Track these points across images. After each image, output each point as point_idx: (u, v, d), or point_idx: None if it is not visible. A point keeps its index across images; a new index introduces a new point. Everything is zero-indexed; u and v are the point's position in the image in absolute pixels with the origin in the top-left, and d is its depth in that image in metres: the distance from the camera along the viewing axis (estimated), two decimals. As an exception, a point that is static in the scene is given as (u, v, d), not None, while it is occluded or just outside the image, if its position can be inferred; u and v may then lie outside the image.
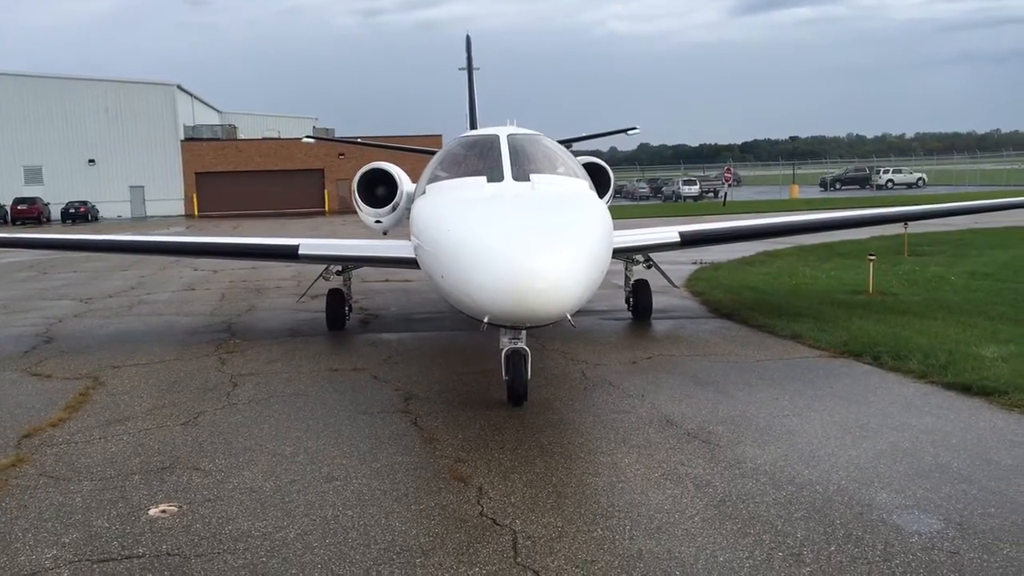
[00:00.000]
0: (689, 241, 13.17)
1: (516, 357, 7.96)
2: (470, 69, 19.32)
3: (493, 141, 9.53)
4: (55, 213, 62.09)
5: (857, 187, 75.89)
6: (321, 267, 13.78)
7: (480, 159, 9.51)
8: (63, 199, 63.42)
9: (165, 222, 57.99)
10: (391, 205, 13.50)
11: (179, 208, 69.59)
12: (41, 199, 62.83)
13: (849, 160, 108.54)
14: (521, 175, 8.89)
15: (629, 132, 19.51)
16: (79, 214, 61.29)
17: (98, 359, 11.38)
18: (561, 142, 15.85)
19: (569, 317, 7.24)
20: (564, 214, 8.18)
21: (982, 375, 8.84)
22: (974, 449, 6.86)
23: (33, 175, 68.51)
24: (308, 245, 12.86)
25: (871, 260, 15.58)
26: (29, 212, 60.03)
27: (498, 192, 8.61)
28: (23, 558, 5.30)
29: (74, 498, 6.28)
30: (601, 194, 12.93)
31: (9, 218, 60.15)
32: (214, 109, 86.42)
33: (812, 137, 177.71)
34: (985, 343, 10.37)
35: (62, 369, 10.84)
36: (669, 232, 13.14)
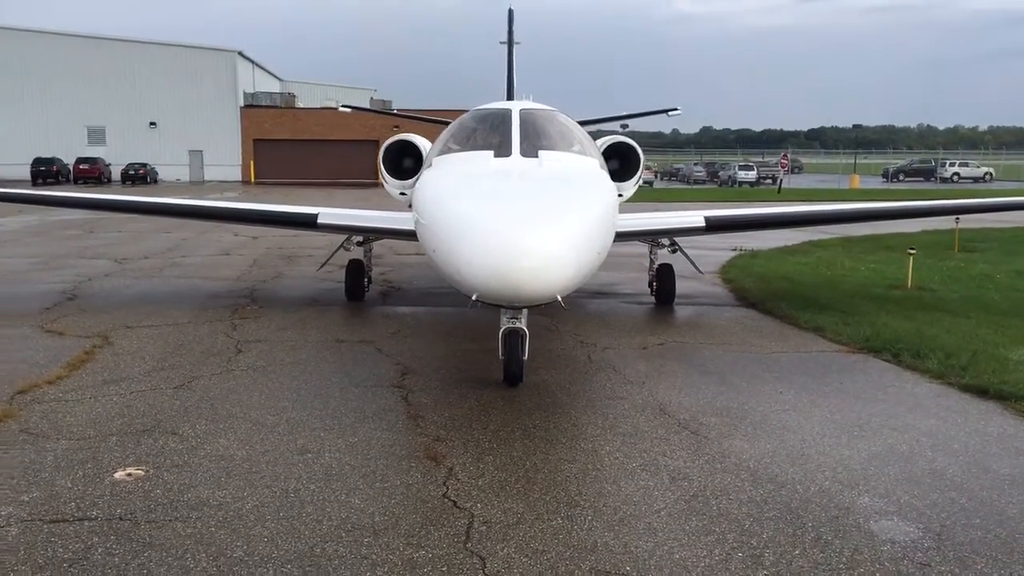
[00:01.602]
0: (715, 227, 12.79)
1: (513, 337, 7.81)
2: (510, 43, 19.02)
3: (505, 115, 9.31)
4: (115, 174, 63.32)
5: (921, 179, 73.77)
6: (343, 237, 13.77)
7: (491, 133, 9.31)
8: (124, 160, 64.61)
9: (221, 187, 58.65)
10: (415, 177, 13.34)
11: (237, 174, 70.40)
12: (103, 159, 64.08)
13: (917, 151, 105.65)
14: (530, 151, 8.69)
15: (670, 113, 19.13)
16: (138, 176, 62.31)
17: (113, 319, 11.46)
18: (592, 122, 15.44)
19: (560, 299, 7.03)
20: (566, 193, 7.94)
21: (1002, 378, 8.43)
22: (974, 456, 6.51)
23: (96, 136, 69.97)
24: (327, 215, 12.79)
25: (911, 254, 15.07)
26: (90, 172, 61.33)
27: (504, 167, 8.42)
28: (-22, 514, 5.30)
29: (46, 456, 6.29)
30: (628, 176, 12.63)
31: (72, 177, 61.51)
32: (274, 76, 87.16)
33: (880, 126, 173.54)
34: (1015, 345, 9.92)
35: (75, 327, 10.93)
36: (695, 216, 12.79)
